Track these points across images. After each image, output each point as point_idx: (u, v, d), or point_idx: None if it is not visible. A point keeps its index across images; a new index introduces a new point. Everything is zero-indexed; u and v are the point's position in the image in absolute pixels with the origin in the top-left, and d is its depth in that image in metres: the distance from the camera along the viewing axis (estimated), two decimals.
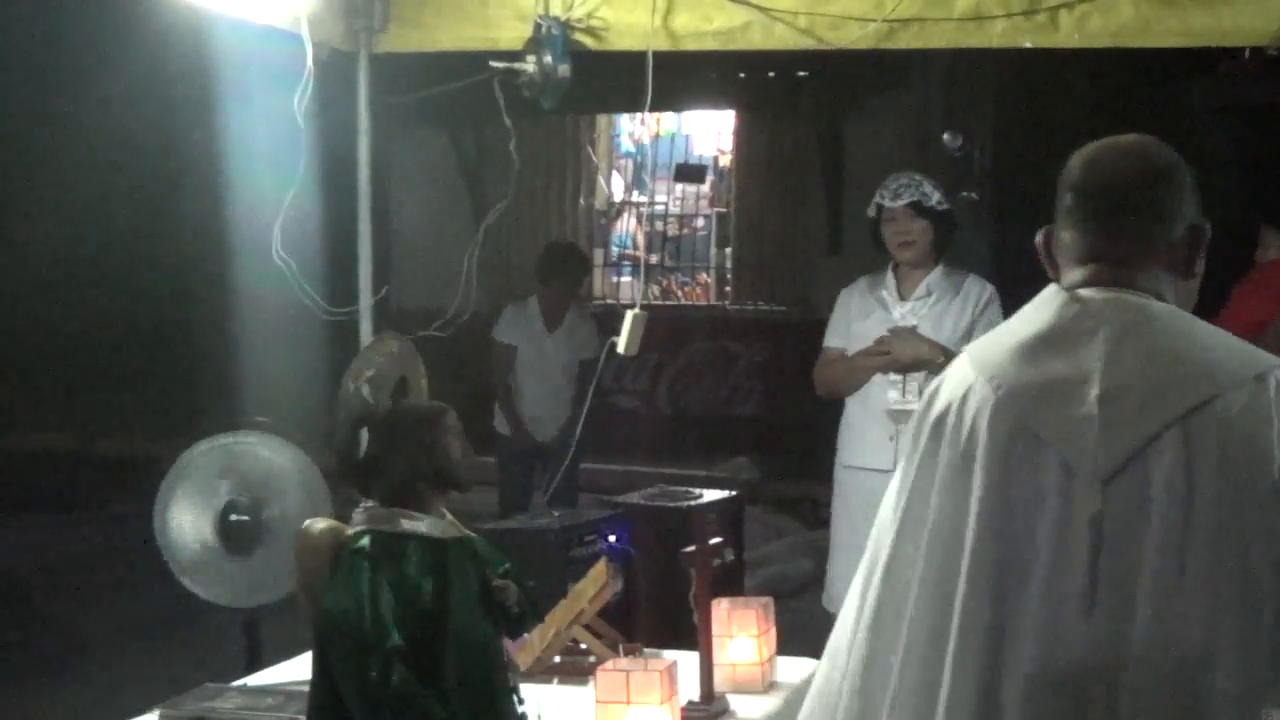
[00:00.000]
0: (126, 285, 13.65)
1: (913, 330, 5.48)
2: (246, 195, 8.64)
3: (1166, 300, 2.44)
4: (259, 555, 4.73)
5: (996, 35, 4.82)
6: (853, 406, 5.63)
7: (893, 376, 5.47)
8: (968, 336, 5.47)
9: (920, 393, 5.40)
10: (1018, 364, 2.41)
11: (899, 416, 5.43)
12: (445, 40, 5.32)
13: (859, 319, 5.63)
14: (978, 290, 5.57)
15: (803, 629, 5.80)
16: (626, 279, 14.03)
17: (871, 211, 5.65)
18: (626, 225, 14.56)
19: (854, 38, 4.89)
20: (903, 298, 5.60)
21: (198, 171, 11.61)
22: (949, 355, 5.41)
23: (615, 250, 14.40)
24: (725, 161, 14.19)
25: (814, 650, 4.68)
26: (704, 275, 14.39)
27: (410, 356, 4.64)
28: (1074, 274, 2.48)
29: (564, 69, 5.05)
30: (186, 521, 4.75)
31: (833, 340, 5.73)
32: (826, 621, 5.79)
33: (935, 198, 5.55)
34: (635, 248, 14.30)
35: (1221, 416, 2.28)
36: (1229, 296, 7.29)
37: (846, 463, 5.64)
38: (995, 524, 2.33)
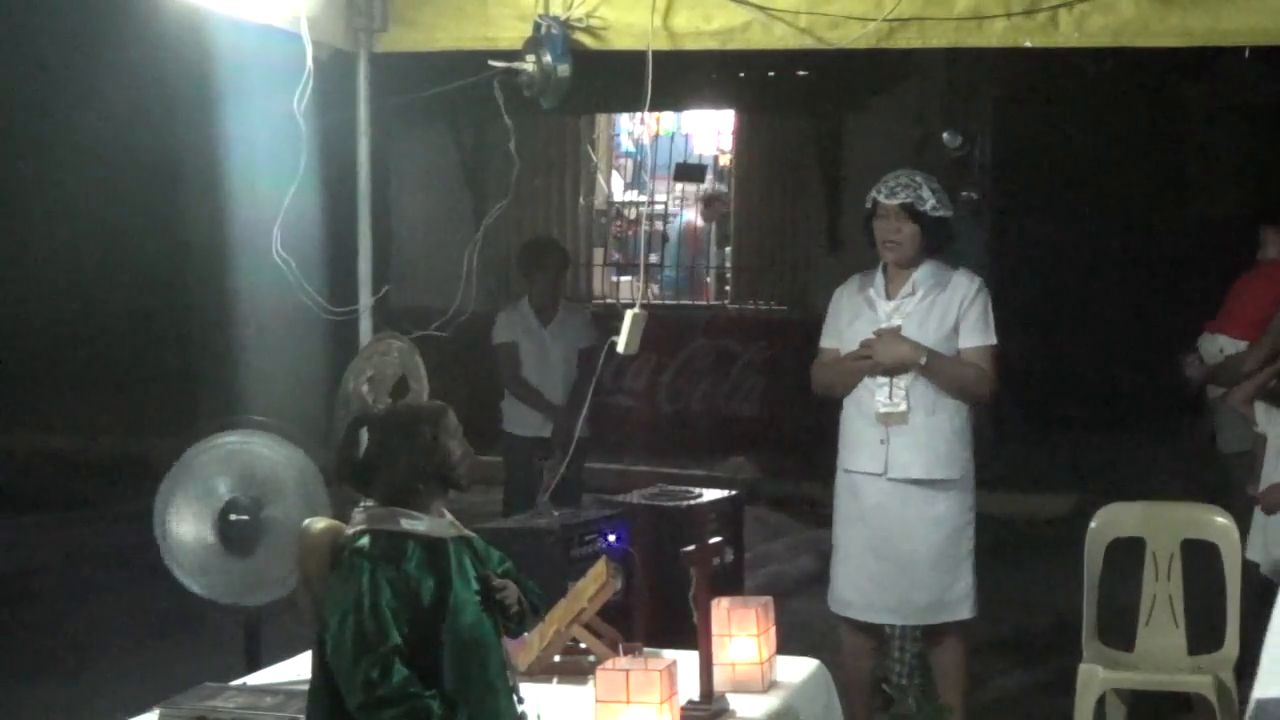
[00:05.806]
0: (127, 285, 13.65)
1: (895, 332, 5.39)
2: (246, 195, 8.66)
3: None
4: (259, 555, 4.73)
5: (996, 35, 4.82)
6: (848, 409, 5.54)
7: (880, 379, 5.39)
8: (954, 333, 5.41)
9: (907, 395, 5.39)
10: None
11: (888, 419, 5.39)
12: (445, 40, 5.32)
13: (849, 320, 5.53)
14: (965, 284, 5.43)
15: (803, 628, 5.81)
16: (626, 278, 14.01)
17: (868, 204, 5.52)
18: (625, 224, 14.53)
19: (854, 37, 4.89)
20: (889, 296, 5.47)
21: (198, 171, 11.61)
22: (931, 356, 5.37)
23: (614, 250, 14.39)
24: (725, 161, 14.18)
25: (814, 649, 4.69)
26: (704, 275, 14.37)
27: (410, 356, 4.66)
28: None
29: (564, 68, 5.05)
30: (186, 521, 4.75)
31: (827, 341, 5.63)
32: (828, 622, 5.77)
33: (931, 202, 5.38)
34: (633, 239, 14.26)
35: None
36: (1230, 295, 7.31)
37: (844, 466, 5.54)
38: None
